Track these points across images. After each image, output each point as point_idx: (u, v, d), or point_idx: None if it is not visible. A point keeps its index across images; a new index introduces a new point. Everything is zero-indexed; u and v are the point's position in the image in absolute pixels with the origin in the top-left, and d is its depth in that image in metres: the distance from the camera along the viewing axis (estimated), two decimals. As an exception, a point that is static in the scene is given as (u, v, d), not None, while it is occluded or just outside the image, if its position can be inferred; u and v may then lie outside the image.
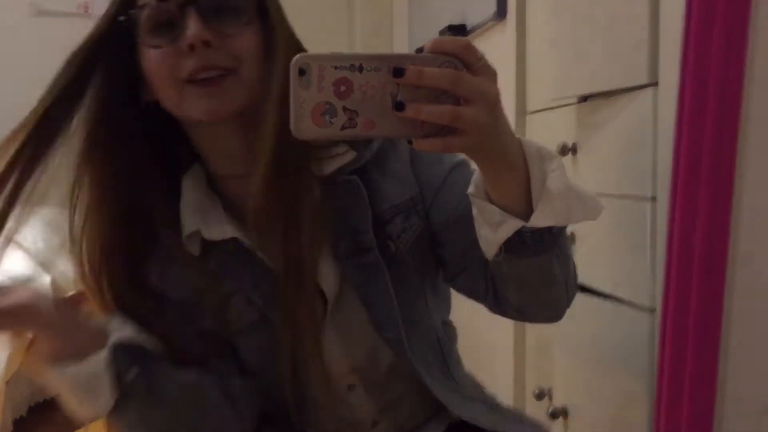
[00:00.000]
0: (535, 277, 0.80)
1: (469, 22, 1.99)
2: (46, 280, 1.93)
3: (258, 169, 0.81)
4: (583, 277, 1.28)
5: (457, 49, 0.63)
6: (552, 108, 1.46)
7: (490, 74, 0.65)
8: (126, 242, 0.85)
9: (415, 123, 0.63)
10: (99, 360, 0.79)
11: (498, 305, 0.87)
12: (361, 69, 0.62)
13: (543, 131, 1.53)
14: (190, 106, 0.81)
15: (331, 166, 0.86)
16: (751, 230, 0.61)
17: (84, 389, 0.78)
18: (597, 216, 0.76)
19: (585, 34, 1.26)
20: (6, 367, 1.65)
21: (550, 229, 0.74)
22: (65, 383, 0.78)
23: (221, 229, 0.85)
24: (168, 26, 0.79)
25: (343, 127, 0.63)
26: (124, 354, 0.80)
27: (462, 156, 0.89)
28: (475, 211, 0.76)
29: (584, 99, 1.30)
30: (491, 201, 0.73)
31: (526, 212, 0.72)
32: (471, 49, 0.64)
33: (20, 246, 1.97)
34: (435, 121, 0.63)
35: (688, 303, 0.52)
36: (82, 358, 0.78)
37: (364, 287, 0.86)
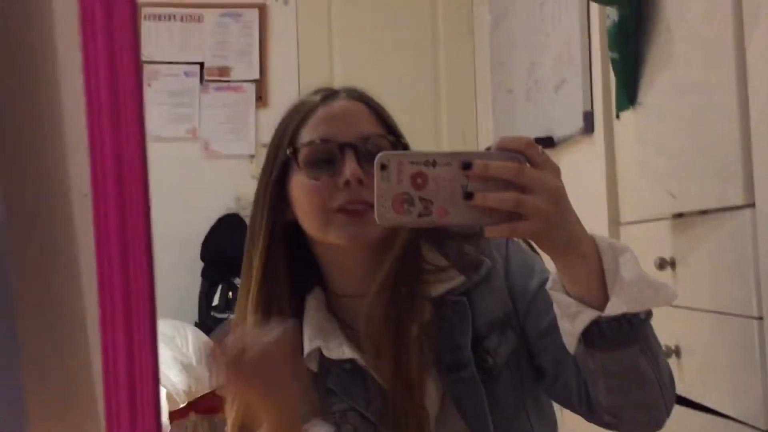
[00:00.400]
0: (622, 373, 0.81)
1: (556, 135, 2.05)
2: (161, 395, 2.04)
3: (371, 289, 0.91)
4: (693, 392, 1.27)
5: (520, 145, 0.71)
6: (647, 221, 1.48)
7: (553, 169, 0.72)
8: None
9: (485, 211, 0.70)
10: None
11: (591, 410, 0.88)
12: (434, 164, 0.70)
13: (638, 244, 1.54)
14: (335, 232, 0.91)
15: (443, 288, 0.93)
16: None
17: None
18: (671, 302, 0.79)
19: (676, 151, 1.30)
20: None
21: (628, 320, 0.77)
22: None
23: (340, 350, 0.93)
24: (326, 162, 0.91)
25: (420, 215, 0.71)
26: None
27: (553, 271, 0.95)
28: (554, 306, 0.80)
29: (680, 215, 1.32)
30: (568, 294, 0.77)
31: (602, 303, 0.75)
32: (533, 145, 0.72)
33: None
34: (500, 206, 0.69)
35: None
36: None
37: (461, 402, 0.91)
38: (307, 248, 0.97)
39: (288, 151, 0.93)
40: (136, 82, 0.54)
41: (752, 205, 1.07)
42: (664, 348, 1.30)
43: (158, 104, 3.18)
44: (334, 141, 0.91)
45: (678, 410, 1.28)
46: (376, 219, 0.72)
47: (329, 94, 0.97)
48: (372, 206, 0.85)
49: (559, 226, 0.71)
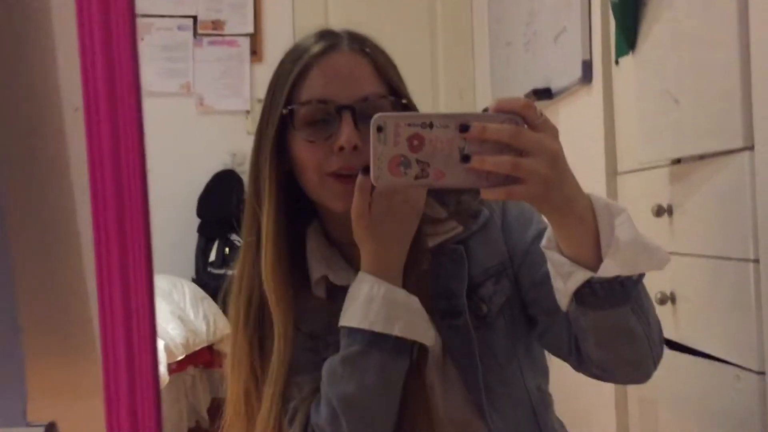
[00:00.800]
0: (612, 331, 0.82)
1: (554, 86, 2.03)
2: (159, 345, 2.05)
3: (411, 251, 0.90)
4: (687, 338, 1.28)
5: (517, 107, 0.70)
6: (644, 169, 1.47)
7: (551, 130, 0.71)
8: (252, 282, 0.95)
9: (481, 174, 0.70)
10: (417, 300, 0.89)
11: (581, 362, 0.89)
12: (431, 126, 0.69)
13: (636, 192, 1.55)
14: (327, 197, 0.90)
15: (440, 238, 0.94)
16: None
17: (423, 318, 0.88)
18: (663, 266, 0.78)
19: (675, 96, 1.28)
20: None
21: (620, 281, 0.77)
22: (405, 303, 0.87)
23: (346, 276, 0.94)
24: (323, 124, 0.89)
25: (416, 177, 0.70)
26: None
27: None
28: (548, 264, 0.80)
29: (677, 161, 1.31)
30: (562, 253, 0.77)
31: (596, 264, 0.75)
32: (531, 107, 0.71)
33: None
34: (497, 170, 0.69)
35: None
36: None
37: (453, 349, 0.92)
38: (306, 195, 0.96)
39: (285, 110, 0.90)
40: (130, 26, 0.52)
41: (751, 147, 1.06)
42: (659, 295, 1.32)
43: (151, 59, 3.14)
44: (332, 102, 0.88)
45: (673, 355, 1.30)
46: (372, 180, 0.72)
47: (330, 44, 0.92)
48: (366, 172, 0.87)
49: (556, 188, 0.71)
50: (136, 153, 0.58)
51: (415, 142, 0.70)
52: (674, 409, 1.37)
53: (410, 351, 0.88)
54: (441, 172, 0.70)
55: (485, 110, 0.73)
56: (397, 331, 0.86)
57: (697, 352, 1.25)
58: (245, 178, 1.08)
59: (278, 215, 0.92)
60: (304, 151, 0.90)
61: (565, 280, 0.77)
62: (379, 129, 0.70)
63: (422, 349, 0.90)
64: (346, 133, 0.86)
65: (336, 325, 0.91)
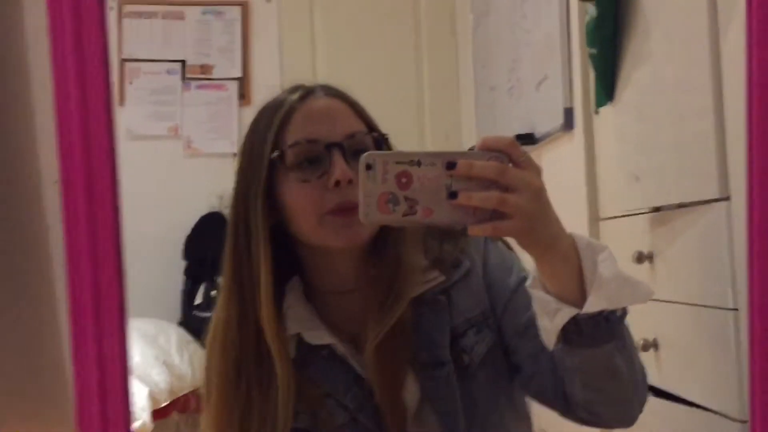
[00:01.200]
0: (598, 370, 0.83)
1: (538, 132, 2.06)
2: (144, 392, 2.03)
3: (396, 302, 0.91)
4: (670, 384, 1.29)
5: (503, 145, 0.72)
6: (625, 216, 1.49)
7: (534, 168, 0.73)
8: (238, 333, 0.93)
9: (468, 211, 0.71)
10: None
11: (567, 407, 0.89)
12: (419, 164, 0.71)
13: (617, 238, 1.56)
14: (328, 236, 0.90)
15: (421, 288, 0.94)
16: None
17: None
18: (647, 299, 0.81)
19: (654, 147, 1.31)
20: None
21: (606, 317, 0.79)
22: None
23: (319, 336, 0.94)
24: (314, 163, 0.90)
25: (404, 214, 0.72)
26: None
27: (529, 271, 0.96)
28: (534, 304, 0.82)
29: (657, 209, 1.33)
30: (548, 292, 0.79)
31: (581, 301, 0.77)
32: (515, 145, 0.73)
33: (120, 360, 2.09)
34: (484, 205, 0.71)
35: None
36: None
37: (435, 400, 0.92)
38: (289, 246, 0.96)
39: (274, 154, 0.91)
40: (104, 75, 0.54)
41: (727, 198, 1.08)
42: (642, 341, 1.33)
43: (139, 102, 3.16)
44: (321, 141, 0.90)
45: (656, 402, 1.30)
46: (360, 218, 0.73)
47: (307, 92, 0.95)
48: None
49: (540, 224, 0.73)
50: (108, 186, 0.58)
51: (404, 180, 0.71)
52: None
53: None
54: (429, 209, 0.71)
55: (471, 149, 0.74)
56: None
57: (681, 399, 1.25)
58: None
59: (272, 268, 0.92)
60: (299, 192, 0.90)
61: (551, 318, 0.79)
62: (368, 167, 0.72)
63: (401, 406, 0.91)
64: (339, 168, 0.88)
65: (306, 391, 0.91)
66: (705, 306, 1.16)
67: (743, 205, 0.99)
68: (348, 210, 0.88)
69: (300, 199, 0.90)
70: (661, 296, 1.29)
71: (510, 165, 0.72)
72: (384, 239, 0.93)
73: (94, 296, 0.54)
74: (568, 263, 0.76)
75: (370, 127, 0.95)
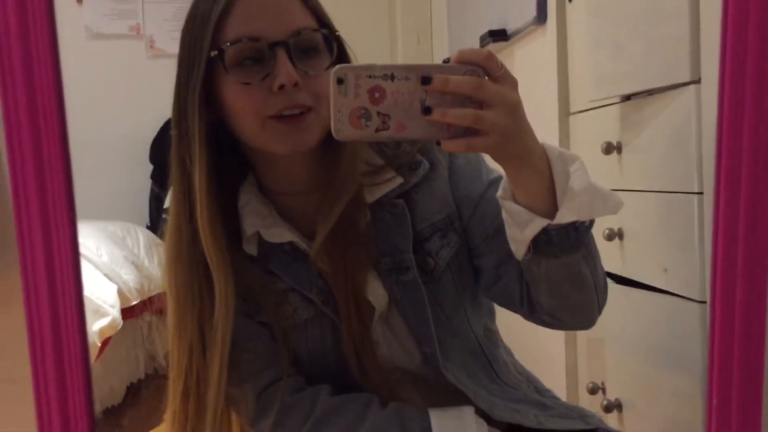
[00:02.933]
0: (565, 278, 0.84)
1: (510, 27, 2.02)
2: (112, 289, 2.03)
3: (337, 199, 0.88)
4: (633, 272, 1.31)
5: (479, 59, 0.71)
6: (595, 108, 1.48)
7: (511, 82, 0.72)
8: (187, 240, 0.90)
9: (442, 126, 0.70)
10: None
11: (532, 312, 0.91)
12: (392, 78, 0.69)
13: (587, 131, 1.56)
14: (272, 141, 0.85)
15: (380, 191, 0.92)
16: None
17: None
18: (617, 210, 0.82)
19: (625, 33, 1.29)
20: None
21: (575, 227, 0.79)
22: None
23: (280, 233, 0.92)
24: (257, 64, 0.84)
25: (377, 130, 0.70)
26: None
27: (498, 174, 0.96)
28: (504, 213, 0.82)
29: (627, 98, 1.32)
30: (518, 203, 0.79)
31: (551, 212, 0.78)
32: (492, 59, 0.71)
33: (87, 258, 2.08)
34: (458, 122, 0.70)
35: (733, 296, 0.56)
36: None
37: (403, 304, 0.92)
38: (237, 147, 0.92)
39: (213, 52, 0.84)
40: None
41: (698, 81, 1.07)
42: (606, 231, 1.35)
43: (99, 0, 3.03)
44: (264, 38, 0.83)
45: (619, 290, 1.33)
46: (333, 133, 0.71)
47: None
48: (310, 109, 0.84)
49: (515, 139, 0.72)
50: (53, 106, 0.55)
51: (376, 94, 0.69)
52: (620, 343, 1.41)
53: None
54: (402, 125, 0.70)
55: (446, 61, 0.72)
56: None
57: (643, 285, 1.28)
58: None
59: (210, 170, 0.87)
60: (240, 95, 0.84)
61: (522, 229, 0.79)
62: (340, 81, 0.69)
63: (369, 306, 0.91)
64: (285, 70, 0.82)
65: (269, 286, 0.90)
66: (670, 192, 1.17)
67: (714, 86, 0.98)
68: (293, 116, 0.84)
69: (241, 103, 0.84)
70: (628, 186, 1.30)
71: (486, 79, 0.70)
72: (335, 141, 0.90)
73: (40, 190, 0.51)
74: (540, 175, 0.76)
75: (321, 22, 0.88)
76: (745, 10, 0.56)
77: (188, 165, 0.88)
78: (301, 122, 0.84)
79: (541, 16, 1.77)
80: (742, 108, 0.57)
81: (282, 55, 0.83)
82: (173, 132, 0.90)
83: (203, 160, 0.86)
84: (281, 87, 0.82)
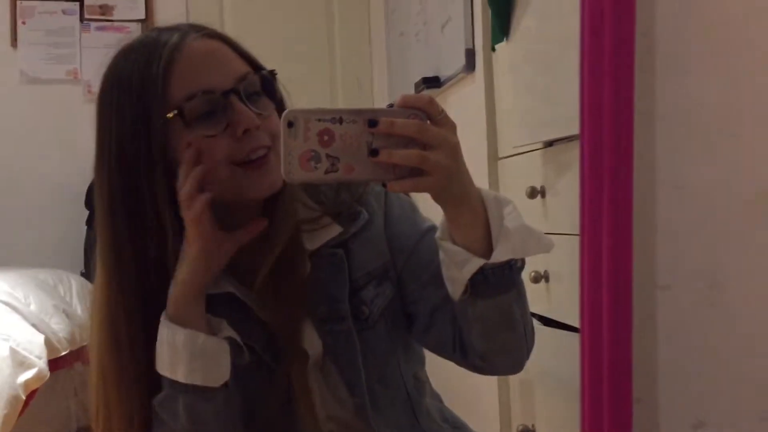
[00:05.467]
0: (497, 319, 0.86)
1: (442, 74, 2.07)
2: (39, 339, 1.96)
3: (275, 245, 0.89)
4: (559, 313, 1.33)
5: (421, 103, 0.74)
6: (521, 153, 1.52)
7: (450, 125, 0.76)
8: (137, 281, 0.89)
9: (389, 167, 0.73)
10: (222, 339, 0.86)
11: (464, 357, 0.92)
12: (341, 121, 0.72)
13: (513, 176, 1.60)
14: (244, 187, 0.86)
15: (320, 240, 0.93)
16: (665, 260, 0.69)
17: (209, 356, 0.85)
18: (549, 249, 0.86)
19: (546, 83, 1.33)
20: (1, 429, 1.68)
21: (509, 265, 0.83)
22: (187, 345, 0.84)
23: (219, 285, 0.91)
24: (214, 115, 0.85)
25: (326, 171, 0.72)
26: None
27: (431, 223, 0.98)
28: (441, 255, 0.84)
29: (550, 144, 1.36)
30: (456, 244, 0.81)
31: (487, 252, 0.80)
32: (433, 103, 0.75)
33: (14, 308, 2.01)
34: (404, 163, 0.73)
35: (600, 325, 0.58)
36: (198, 327, 0.85)
37: (336, 353, 0.93)
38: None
39: (172, 113, 0.83)
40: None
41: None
42: (533, 273, 1.37)
43: (34, 44, 2.99)
44: (217, 89, 0.84)
45: (547, 332, 1.34)
46: (283, 176, 0.73)
47: (180, 36, 0.86)
48: (270, 147, 0.86)
49: (456, 180, 0.76)
50: None
51: (326, 137, 0.71)
52: (549, 385, 1.43)
53: (221, 389, 0.87)
54: (350, 167, 0.72)
55: (390, 106, 0.76)
56: (180, 376, 0.85)
57: (569, 327, 1.30)
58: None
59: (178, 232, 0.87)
60: (208, 149, 0.84)
61: (460, 268, 0.81)
62: (290, 124, 0.71)
63: (304, 354, 0.91)
64: (245, 115, 0.84)
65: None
66: (589, 235, 1.20)
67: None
68: (260, 159, 0.85)
69: (208, 156, 0.84)
70: (552, 229, 1.33)
71: (428, 122, 0.74)
72: (284, 190, 0.90)
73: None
74: (477, 216, 0.79)
75: (255, 65, 0.90)
76: (599, 70, 0.59)
77: (143, 232, 0.87)
78: (267, 163, 0.86)
79: (470, 65, 1.82)
80: (600, 160, 0.60)
81: (237, 102, 0.84)
82: (116, 201, 0.88)
83: (175, 225, 0.86)
84: (245, 131, 0.84)
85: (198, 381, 0.84)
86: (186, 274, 0.85)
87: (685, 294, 0.64)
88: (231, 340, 0.89)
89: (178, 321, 0.85)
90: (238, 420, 0.90)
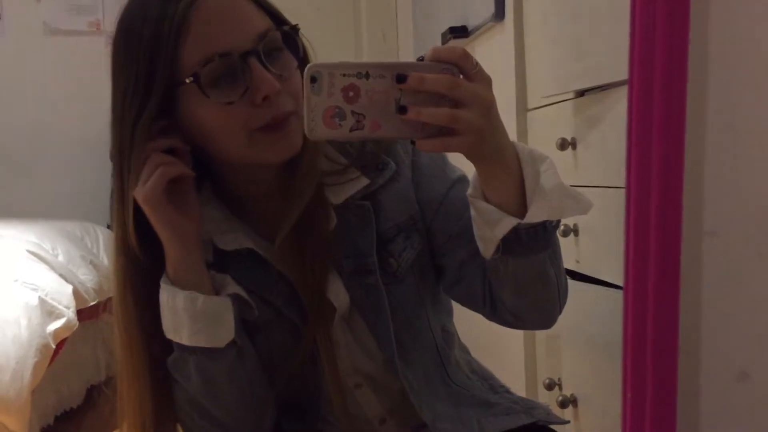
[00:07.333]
0: (530, 277, 0.84)
1: (470, 24, 2.02)
2: (68, 290, 1.99)
3: (297, 200, 0.86)
4: (589, 268, 1.31)
5: (454, 57, 0.69)
6: (551, 104, 1.49)
7: (485, 80, 0.71)
8: (144, 237, 0.86)
9: (417, 125, 0.69)
10: (224, 298, 0.85)
11: (495, 312, 0.91)
12: (367, 76, 0.68)
13: (543, 127, 1.56)
14: (261, 152, 0.83)
15: (346, 193, 0.90)
16: (713, 205, 0.66)
17: (210, 317, 0.84)
18: (587, 210, 0.81)
19: (580, 30, 1.29)
20: (32, 376, 1.71)
21: (544, 226, 0.79)
22: (187, 307, 0.83)
23: (236, 239, 0.90)
24: (232, 79, 0.80)
25: (351, 129, 0.69)
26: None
27: (461, 172, 0.95)
28: (473, 212, 0.81)
29: (581, 94, 1.33)
30: (488, 202, 0.78)
31: (521, 211, 0.77)
32: (467, 57, 0.70)
33: (42, 259, 2.04)
34: (434, 122, 0.69)
35: (646, 281, 0.56)
36: (198, 287, 0.84)
37: (364, 306, 0.91)
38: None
39: (188, 79, 0.79)
40: None
41: (646, 76, 1.07)
42: (562, 227, 1.35)
43: (56, -6, 2.98)
44: (234, 51, 0.79)
45: (575, 286, 1.33)
46: (306, 133, 0.69)
47: None
48: (292, 113, 0.82)
49: (489, 139, 0.71)
50: None
51: (351, 93, 0.68)
52: (576, 339, 1.42)
53: (230, 347, 0.86)
54: (377, 124, 0.69)
55: (420, 59, 0.71)
56: (184, 339, 0.84)
57: (599, 281, 1.28)
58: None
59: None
60: (222, 115, 0.80)
61: (492, 228, 0.78)
62: (313, 80, 0.68)
63: (329, 307, 0.89)
64: (265, 80, 0.79)
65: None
66: (621, 187, 1.17)
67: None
68: (280, 123, 0.81)
69: (225, 122, 0.81)
70: (582, 182, 1.30)
71: (461, 77, 0.69)
72: (307, 144, 0.86)
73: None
74: (511, 174, 0.76)
75: (277, 19, 0.84)
76: (652, 16, 0.56)
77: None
78: (287, 127, 0.82)
79: (499, 13, 1.77)
80: (650, 106, 0.58)
81: (256, 65, 0.79)
82: (115, 163, 0.85)
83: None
84: (265, 98, 0.80)
85: (202, 343, 0.84)
86: (169, 249, 0.84)
87: (733, 241, 0.61)
88: (252, 295, 0.89)
89: (178, 283, 0.84)
90: (257, 375, 0.90)
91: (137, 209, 0.83)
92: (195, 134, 0.84)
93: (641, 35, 0.54)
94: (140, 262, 0.85)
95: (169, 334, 0.85)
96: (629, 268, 0.57)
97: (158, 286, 0.85)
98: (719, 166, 0.63)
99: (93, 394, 2.37)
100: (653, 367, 0.55)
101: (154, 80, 0.80)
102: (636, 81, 0.58)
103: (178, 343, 0.85)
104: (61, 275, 2.02)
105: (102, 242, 2.51)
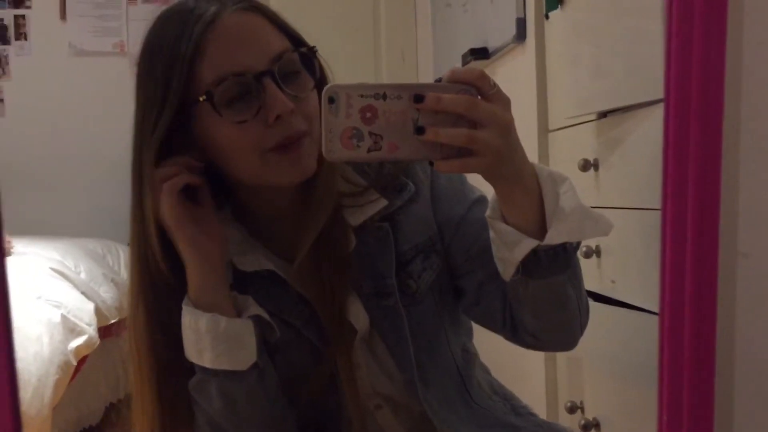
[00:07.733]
0: (550, 299, 0.83)
1: (491, 45, 2.03)
2: (89, 307, 2.00)
3: (315, 221, 0.86)
4: (611, 289, 1.30)
5: (472, 77, 0.69)
6: (573, 125, 1.49)
7: (504, 101, 0.71)
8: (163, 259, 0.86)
9: (435, 146, 0.69)
10: (246, 320, 0.85)
11: (515, 333, 0.90)
12: (384, 97, 0.68)
13: (565, 148, 1.56)
14: (274, 174, 0.83)
15: (365, 215, 0.90)
16: (749, 228, 0.65)
17: (233, 339, 0.84)
18: (608, 232, 0.81)
19: (603, 51, 1.29)
20: (53, 393, 1.72)
21: (564, 248, 0.79)
22: (210, 330, 0.82)
23: (255, 261, 0.90)
24: (246, 99, 0.80)
25: (369, 150, 0.68)
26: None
27: (480, 193, 0.95)
28: (492, 234, 0.81)
29: (604, 115, 1.32)
30: (507, 223, 0.78)
31: (540, 232, 0.77)
32: (485, 77, 0.70)
33: (65, 276, 2.06)
34: (452, 142, 0.68)
35: (682, 305, 0.56)
36: (220, 309, 0.84)
37: (383, 328, 0.91)
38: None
39: (201, 97, 0.80)
40: None
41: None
42: (584, 248, 1.34)
43: (82, 16, 3.02)
44: (249, 71, 0.80)
45: (599, 307, 1.32)
46: (324, 154, 0.69)
47: (216, 9, 0.81)
48: (305, 133, 0.82)
49: (507, 159, 0.71)
50: None
51: (368, 114, 0.68)
52: (599, 362, 1.40)
53: (251, 369, 0.85)
54: (394, 145, 0.68)
55: (438, 80, 0.71)
56: (207, 362, 0.83)
57: (622, 303, 1.27)
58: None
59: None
60: (235, 133, 0.81)
61: (511, 249, 0.78)
62: (331, 100, 0.68)
63: (350, 329, 0.89)
64: (278, 100, 0.79)
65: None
66: (643, 209, 1.17)
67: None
68: (293, 143, 0.82)
69: (237, 141, 0.81)
70: (604, 203, 1.30)
71: (479, 98, 0.69)
72: (325, 166, 0.87)
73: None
74: (530, 195, 0.76)
75: (295, 41, 0.85)
76: (689, 32, 0.56)
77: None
78: (299, 148, 0.82)
79: (521, 35, 1.77)
80: (687, 126, 0.57)
81: (270, 85, 0.80)
82: (132, 178, 0.85)
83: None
84: (278, 117, 0.80)
85: (225, 365, 0.84)
86: (192, 269, 0.84)
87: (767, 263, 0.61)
88: (272, 316, 0.89)
89: (200, 305, 0.83)
90: (278, 397, 0.90)
91: (160, 230, 0.83)
92: (212, 154, 0.85)
93: (677, 55, 0.54)
94: (156, 283, 0.86)
95: (192, 357, 0.85)
96: (665, 288, 0.57)
97: (173, 307, 0.85)
98: (753, 185, 0.63)
99: (111, 413, 2.38)
100: (689, 388, 0.55)
101: (168, 97, 0.80)
102: (672, 102, 0.58)
103: (200, 366, 0.85)
104: (83, 293, 2.04)
105: (123, 260, 2.53)
